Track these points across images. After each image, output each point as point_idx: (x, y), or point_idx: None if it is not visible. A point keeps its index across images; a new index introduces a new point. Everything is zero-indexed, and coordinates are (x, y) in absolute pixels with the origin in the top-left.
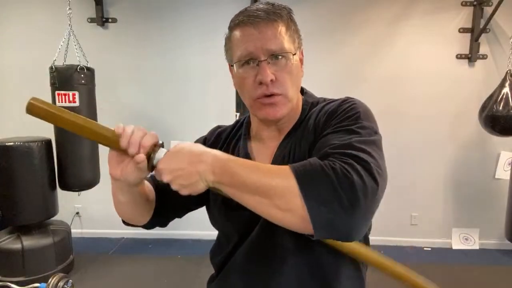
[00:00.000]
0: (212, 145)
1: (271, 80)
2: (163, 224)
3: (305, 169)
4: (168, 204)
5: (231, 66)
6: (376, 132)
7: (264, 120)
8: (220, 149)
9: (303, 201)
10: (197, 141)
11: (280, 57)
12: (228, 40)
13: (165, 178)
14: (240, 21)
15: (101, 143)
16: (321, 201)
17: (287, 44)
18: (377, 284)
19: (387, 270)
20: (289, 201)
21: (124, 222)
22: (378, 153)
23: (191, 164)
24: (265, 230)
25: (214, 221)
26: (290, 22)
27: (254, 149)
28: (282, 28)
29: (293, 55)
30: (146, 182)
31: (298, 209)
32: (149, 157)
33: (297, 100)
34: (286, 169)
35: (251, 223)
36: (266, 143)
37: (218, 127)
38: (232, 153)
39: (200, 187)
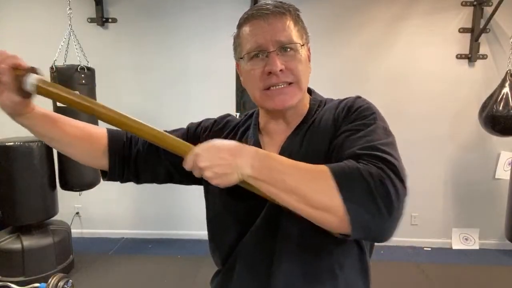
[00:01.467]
0: (220, 130)
1: (281, 70)
2: (136, 179)
3: (344, 171)
4: (142, 160)
5: (240, 59)
6: (391, 133)
7: (272, 110)
8: (227, 136)
9: (342, 202)
10: (205, 122)
11: (289, 49)
12: (237, 36)
13: (202, 163)
14: (250, 15)
15: None
16: (360, 203)
17: (295, 37)
18: (382, 275)
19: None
20: (328, 202)
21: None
22: (398, 155)
23: (231, 155)
24: (270, 220)
25: (213, 208)
26: (297, 18)
27: (262, 142)
28: (290, 22)
29: (302, 46)
30: (83, 126)
31: (337, 210)
32: (20, 82)
33: (305, 96)
34: (325, 170)
35: (255, 213)
36: (273, 137)
37: (229, 115)
38: (239, 142)
39: (233, 179)
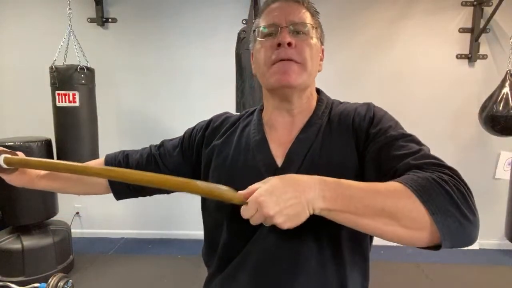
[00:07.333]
0: (218, 127)
1: (289, 44)
2: (142, 193)
3: (420, 184)
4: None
5: (253, 32)
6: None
7: (277, 87)
8: (226, 131)
9: (430, 217)
10: (200, 124)
11: (301, 32)
12: (261, 13)
13: (271, 211)
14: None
15: None
16: (447, 213)
17: (309, 21)
18: (382, 275)
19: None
20: (418, 220)
21: None
22: None
23: (297, 191)
24: (280, 232)
25: (213, 216)
26: (315, 13)
27: (268, 136)
28: (308, 13)
29: (314, 28)
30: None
31: (427, 226)
32: None
33: (313, 91)
34: (402, 187)
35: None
36: (278, 131)
37: (226, 112)
38: (240, 137)
39: (303, 218)
